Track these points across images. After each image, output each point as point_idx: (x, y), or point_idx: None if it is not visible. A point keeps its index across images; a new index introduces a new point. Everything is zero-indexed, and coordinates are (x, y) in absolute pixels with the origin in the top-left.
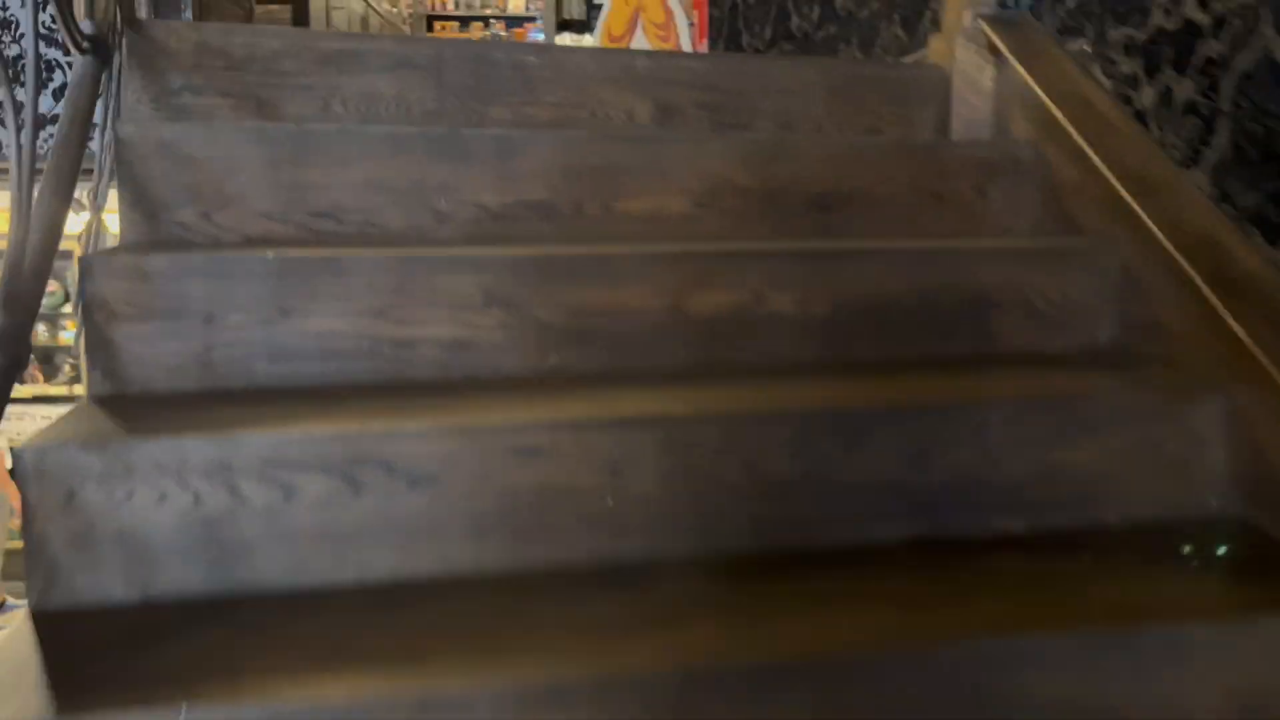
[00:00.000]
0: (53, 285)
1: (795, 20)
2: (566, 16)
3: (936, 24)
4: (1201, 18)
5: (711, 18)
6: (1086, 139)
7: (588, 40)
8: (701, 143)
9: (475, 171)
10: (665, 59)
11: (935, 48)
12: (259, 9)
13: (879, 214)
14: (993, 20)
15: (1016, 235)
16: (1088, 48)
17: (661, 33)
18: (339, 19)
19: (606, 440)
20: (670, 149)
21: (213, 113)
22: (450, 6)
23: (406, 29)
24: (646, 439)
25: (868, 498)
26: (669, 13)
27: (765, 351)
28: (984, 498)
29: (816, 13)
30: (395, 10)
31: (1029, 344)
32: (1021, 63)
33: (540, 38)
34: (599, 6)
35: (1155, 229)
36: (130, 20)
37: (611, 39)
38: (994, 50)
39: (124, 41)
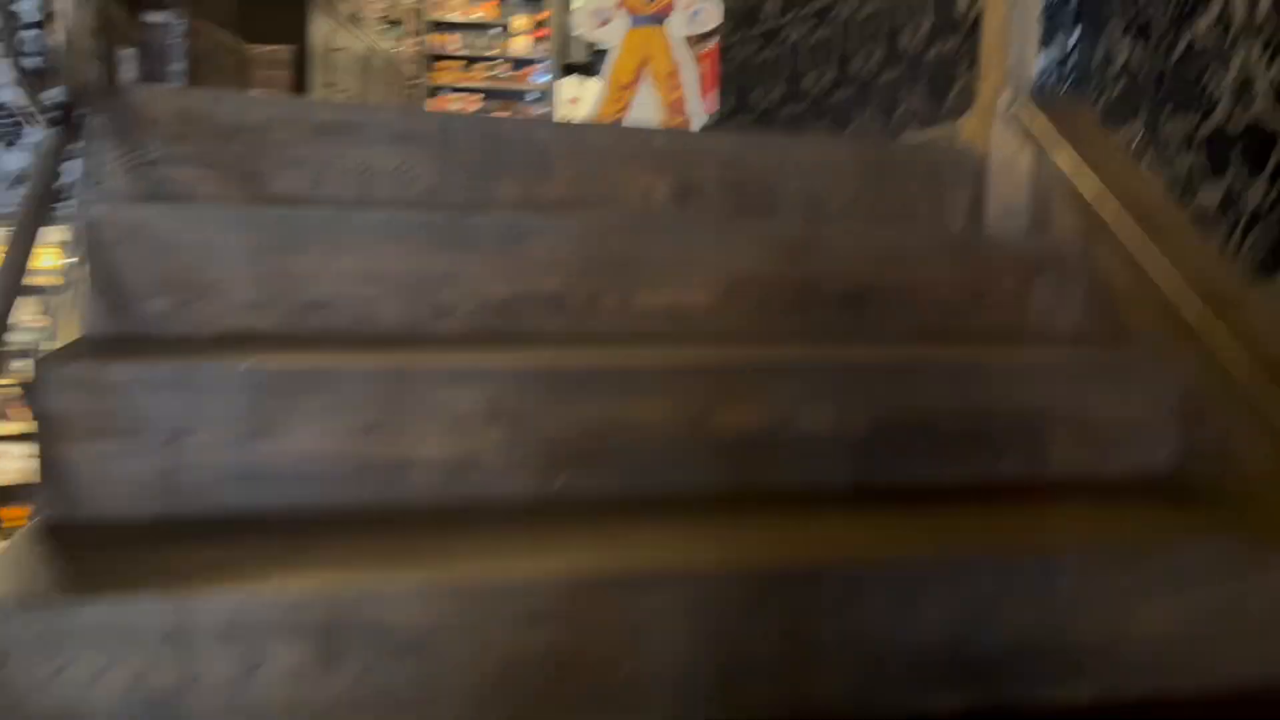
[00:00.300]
0: (42, 320)
1: (808, 81)
2: (572, 60)
3: (965, 96)
4: (1277, 113)
5: (720, 72)
6: (1140, 240)
7: (592, 85)
8: (726, 233)
9: (480, 260)
10: (686, 137)
11: (969, 127)
12: (260, 50)
13: (915, 312)
14: (1030, 100)
15: (1062, 338)
16: (1138, 137)
17: (669, 83)
18: (341, 60)
19: (624, 601)
20: (693, 239)
21: (194, 185)
22: (455, 47)
23: (409, 71)
24: (670, 599)
25: (919, 663)
26: (676, 63)
27: (799, 475)
28: (1047, 662)
29: (830, 75)
30: (399, 51)
31: (1083, 465)
32: (1063, 149)
33: (545, 80)
34: (604, 51)
35: (1224, 350)
36: (108, 84)
37: (619, 87)
38: (1030, 132)
39: (99, 107)
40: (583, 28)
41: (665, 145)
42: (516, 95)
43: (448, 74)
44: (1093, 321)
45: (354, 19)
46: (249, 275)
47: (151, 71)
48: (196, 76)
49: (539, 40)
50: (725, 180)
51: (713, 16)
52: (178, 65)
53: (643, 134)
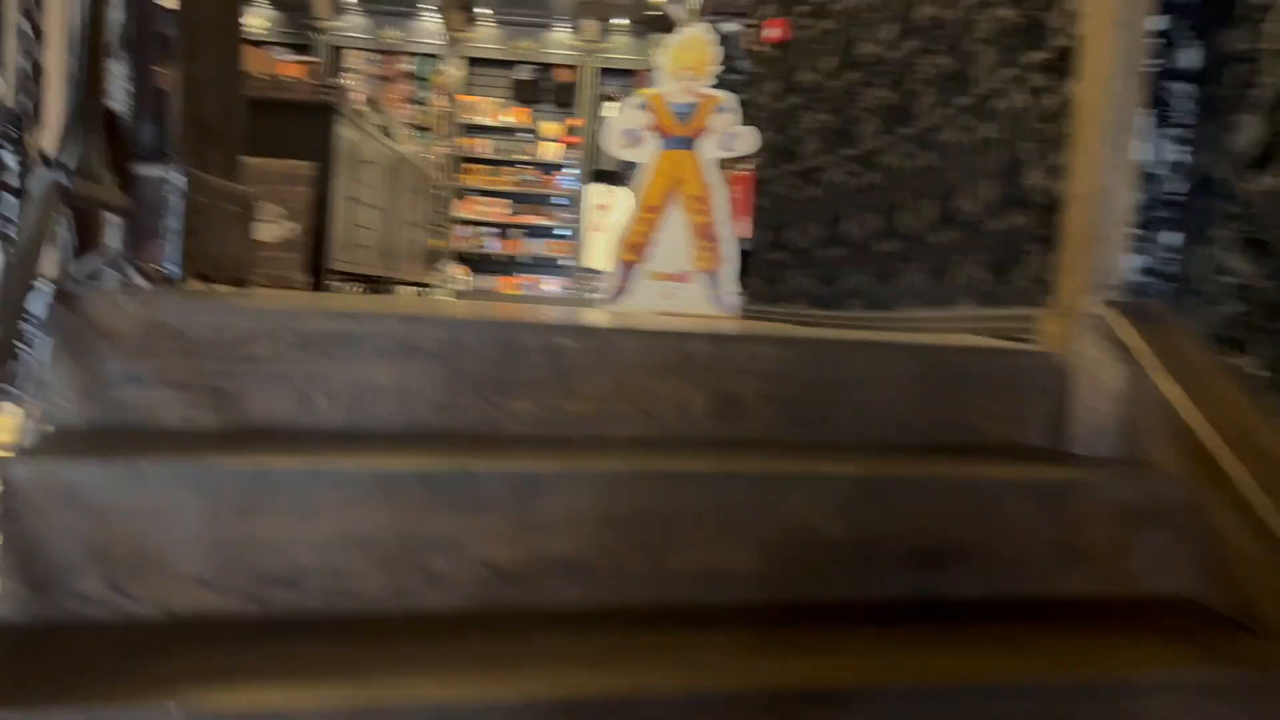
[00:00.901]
0: None
1: (849, 225)
2: (601, 166)
3: (1038, 283)
4: None
5: (758, 206)
6: (1269, 500)
7: (621, 192)
8: (777, 485)
9: (486, 519)
10: (730, 344)
11: (1048, 328)
12: (279, 166)
13: (997, 573)
14: (1121, 308)
15: (1172, 611)
16: (1254, 370)
17: (699, 206)
18: (367, 171)
19: None
20: (737, 489)
21: (157, 410)
22: (483, 151)
23: (438, 175)
24: None
25: None
26: (708, 187)
27: None
28: None
29: (875, 224)
30: (428, 156)
31: None
32: (1160, 369)
33: (574, 185)
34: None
35: None
36: (61, 294)
37: (647, 209)
38: (1122, 345)
39: (51, 321)
40: (613, 147)
41: (707, 354)
42: (544, 200)
43: (476, 177)
44: (1206, 584)
45: (384, 129)
46: (204, 544)
47: (143, 230)
48: (196, 233)
49: (569, 146)
50: (772, 393)
51: (747, 142)
52: (174, 224)
53: (678, 340)
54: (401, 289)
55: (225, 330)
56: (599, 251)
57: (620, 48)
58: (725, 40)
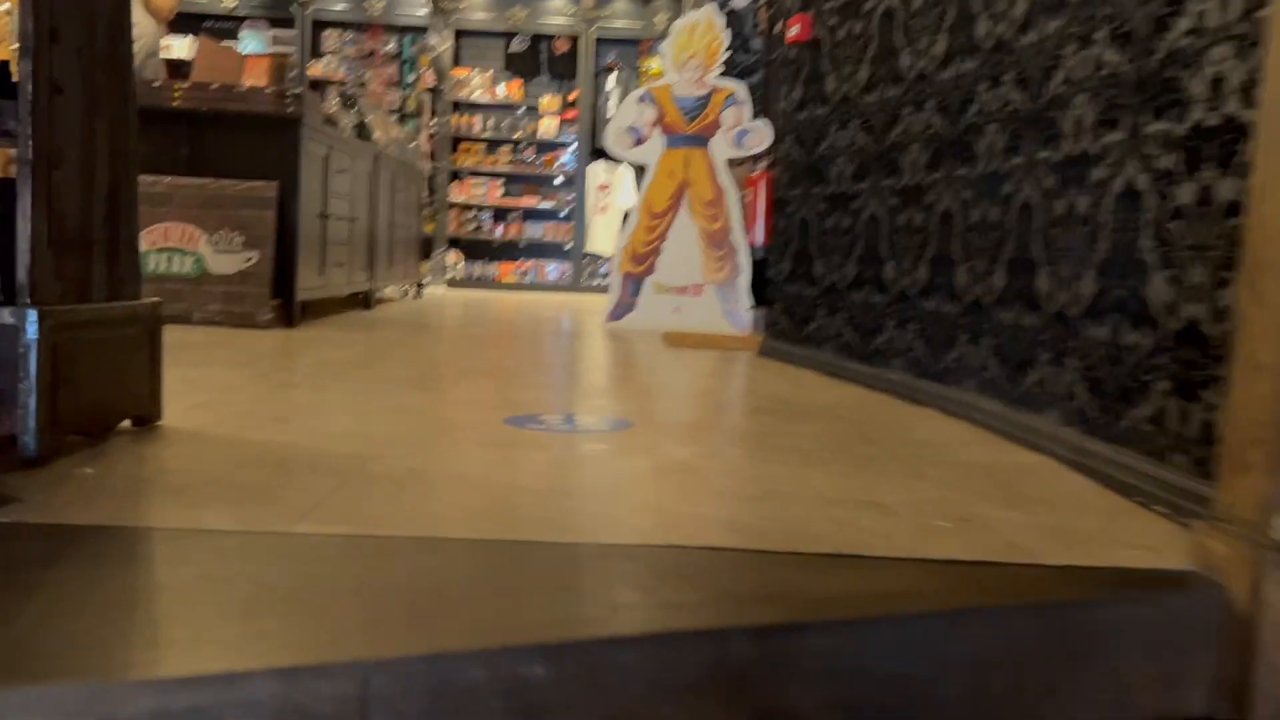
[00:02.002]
0: None
1: (890, 270)
2: (601, 145)
3: (1159, 427)
4: None
5: (777, 228)
6: None
7: (622, 174)
8: None
9: None
10: (782, 639)
11: (1212, 549)
12: (239, 188)
13: None
14: None
15: None
16: None
17: (710, 211)
18: (342, 181)
19: None
20: None
21: None
22: (477, 130)
23: (426, 165)
24: None
25: None
26: (719, 190)
27: None
28: None
29: (923, 274)
30: (414, 146)
31: None
32: None
33: (571, 163)
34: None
35: None
36: None
37: (653, 215)
38: None
39: None
40: (615, 146)
41: (749, 658)
42: (543, 180)
43: (470, 157)
44: None
45: (360, 128)
46: None
47: None
48: (67, 383)
49: (567, 122)
50: (841, 701)
51: (762, 138)
52: (28, 383)
53: (701, 643)
54: (390, 291)
55: None
56: (601, 235)
57: (620, 14)
58: (735, 18)
